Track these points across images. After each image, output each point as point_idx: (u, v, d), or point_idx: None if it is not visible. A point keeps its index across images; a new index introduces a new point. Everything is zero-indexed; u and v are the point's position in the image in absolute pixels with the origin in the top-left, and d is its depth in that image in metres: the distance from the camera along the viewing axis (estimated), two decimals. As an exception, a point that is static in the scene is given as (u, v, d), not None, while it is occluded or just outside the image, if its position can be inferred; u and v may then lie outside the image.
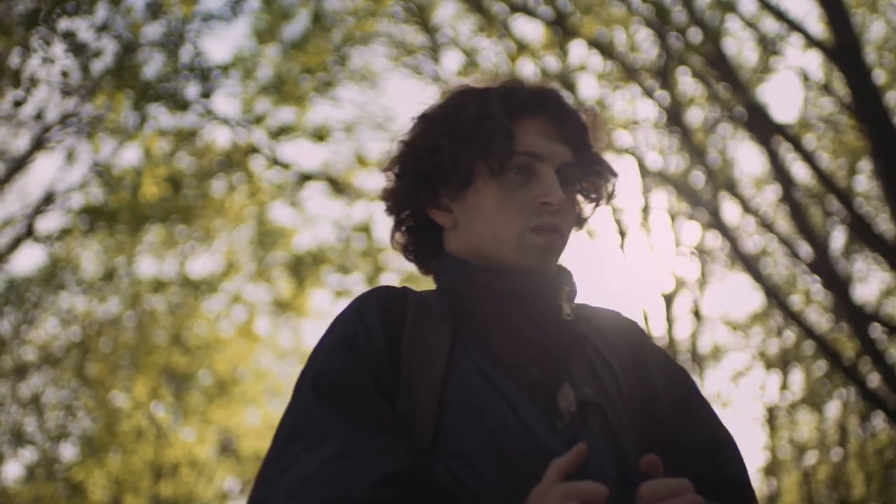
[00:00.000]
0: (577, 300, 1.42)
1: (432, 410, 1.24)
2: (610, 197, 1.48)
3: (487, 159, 1.33)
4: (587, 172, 1.43)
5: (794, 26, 7.75)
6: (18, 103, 6.62)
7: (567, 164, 1.38)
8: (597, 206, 1.48)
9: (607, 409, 1.30)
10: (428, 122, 1.42)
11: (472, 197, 1.37)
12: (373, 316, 1.31)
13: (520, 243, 1.33)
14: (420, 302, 1.36)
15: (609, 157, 1.47)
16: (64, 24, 6.36)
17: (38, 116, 9.08)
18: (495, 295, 1.33)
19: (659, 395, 1.39)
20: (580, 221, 1.49)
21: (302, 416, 1.23)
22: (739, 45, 9.89)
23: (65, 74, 6.78)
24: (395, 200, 1.44)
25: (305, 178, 10.85)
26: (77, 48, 6.63)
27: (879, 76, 9.19)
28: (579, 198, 1.47)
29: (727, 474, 1.34)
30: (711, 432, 1.39)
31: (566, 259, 1.44)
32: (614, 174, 1.47)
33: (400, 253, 1.49)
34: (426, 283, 1.51)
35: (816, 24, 9.08)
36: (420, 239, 1.46)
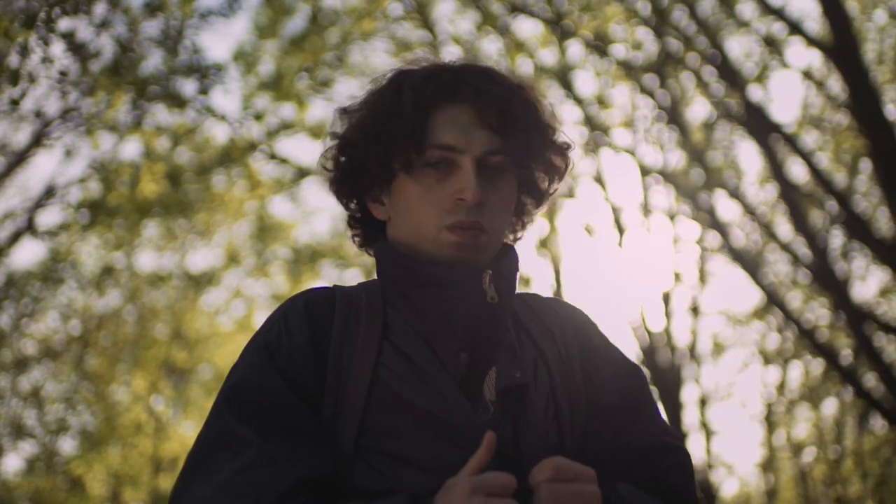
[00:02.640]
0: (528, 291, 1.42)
1: (359, 408, 1.23)
2: (563, 172, 1.41)
3: (397, 158, 1.30)
4: (521, 156, 1.34)
5: (793, 26, 7.75)
6: (15, 102, 6.63)
7: (490, 152, 1.30)
8: (551, 182, 1.42)
9: (532, 394, 1.28)
10: (347, 115, 1.39)
11: (397, 191, 1.34)
12: (297, 319, 1.30)
13: (436, 241, 1.30)
14: (349, 299, 1.34)
15: (550, 130, 1.37)
16: (63, 24, 6.36)
17: (38, 114, 9.07)
18: (422, 282, 1.31)
19: (605, 390, 1.36)
20: (539, 199, 1.44)
21: (219, 425, 1.22)
22: (739, 45, 9.88)
23: (63, 74, 6.78)
24: (332, 191, 1.43)
25: (304, 173, 10.87)
26: (76, 48, 6.63)
27: (878, 75, 9.19)
28: (527, 180, 1.40)
29: (671, 481, 1.31)
30: (660, 436, 1.35)
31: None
32: (556, 149, 1.38)
33: (350, 238, 1.48)
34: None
35: (816, 24, 9.07)
36: (365, 226, 1.44)
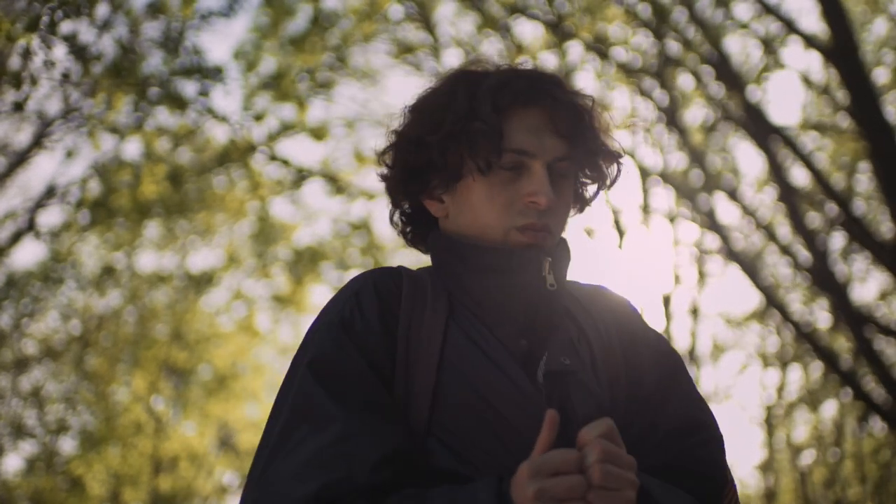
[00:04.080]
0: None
1: (430, 388, 1.26)
2: (613, 181, 1.46)
3: (475, 158, 1.33)
4: (583, 163, 1.41)
5: (792, 27, 7.76)
6: (19, 105, 6.64)
7: (560, 157, 1.36)
8: (598, 190, 1.47)
9: (583, 378, 1.31)
10: (418, 114, 1.41)
11: (462, 190, 1.37)
12: (369, 298, 1.32)
13: (505, 240, 1.34)
14: (415, 280, 1.37)
15: (609, 141, 1.43)
16: (65, 27, 6.37)
17: (40, 115, 9.09)
18: (481, 269, 1.34)
19: (645, 373, 1.39)
20: (582, 204, 1.48)
21: (301, 399, 1.23)
22: (738, 46, 9.90)
23: (66, 76, 6.80)
24: (390, 189, 1.45)
25: (304, 175, 10.88)
26: (78, 50, 6.64)
27: (879, 77, 9.20)
28: (579, 184, 1.46)
29: (699, 456, 1.34)
30: (691, 413, 1.38)
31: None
32: (614, 159, 1.44)
33: (399, 234, 1.51)
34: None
35: (815, 25, 9.08)
36: (416, 223, 1.47)
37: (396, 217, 1.49)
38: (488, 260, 1.34)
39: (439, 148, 1.35)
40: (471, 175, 1.35)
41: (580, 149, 1.38)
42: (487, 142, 1.32)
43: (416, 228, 1.48)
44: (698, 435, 1.36)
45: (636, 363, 1.39)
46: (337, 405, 1.21)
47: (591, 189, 1.48)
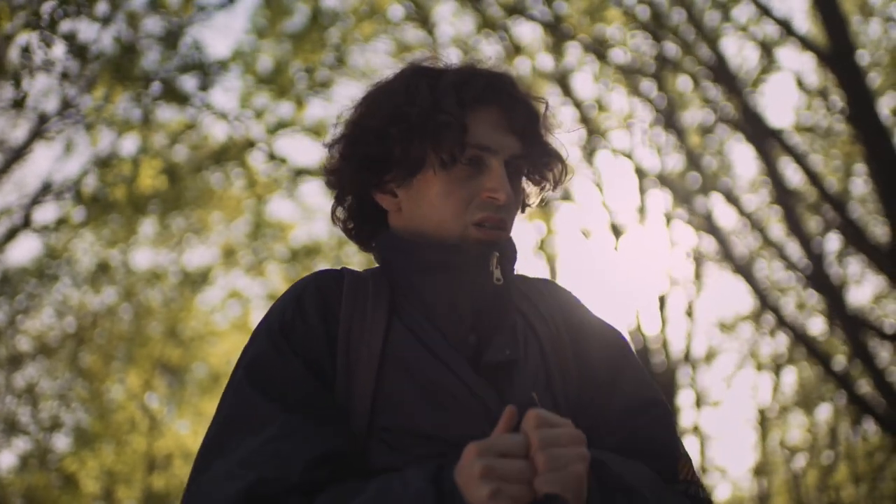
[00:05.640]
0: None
1: (370, 389, 1.25)
2: (556, 184, 1.48)
3: (439, 152, 1.33)
4: (535, 163, 1.43)
5: (789, 30, 7.78)
6: (18, 103, 6.62)
7: (515, 156, 1.37)
8: (542, 192, 1.49)
9: (521, 368, 1.32)
10: (375, 105, 1.39)
11: (419, 185, 1.36)
12: (310, 301, 1.32)
13: (462, 235, 1.34)
14: (357, 281, 1.37)
15: (557, 143, 1.45)
16: (65, 25, 6.34)
17: (35, 109, 9.07)
18: (428, 266, 1.34)
19: (593, 359, 1.40)
20: (524, 207, 1.49)
21: (237, 404, 1.24)
22: (736, 49, 9.94)
23: (65, 75, 6.78)
24: (338, 180, 1.43)
25: (301, 173, 10.88)
26: (78, 49, 6.62)
27: (874, 80, 9.23)
28: (526, 185, 1.47)
29: (652, 433, 1.35)
30: (641, 392, 1.39)
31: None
32: (561, 161, 1.45)
33: (340, 229, 1.49)
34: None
35: (812, 29, 9.11)
36: (362, 217, 1.46)
37: (339, 212, 1.47)
38: (435, 257, 1.34)
39: (402, 140, 1.34)
40: (431, 169, 1.35)
41: (533, 149, 1.40)
42: (452, 136, 1.32)
43: (360, 224, 1.47)
44: (649, 413, 1.37)
45: (584, 350, 1.41)
46: (271, 407, 1.21)
47: (533, 190, 1.49)
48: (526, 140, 1.39)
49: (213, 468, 1.19)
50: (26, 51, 5.89)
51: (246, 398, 1.23)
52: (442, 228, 1.35)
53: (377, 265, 1.45)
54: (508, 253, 1.39)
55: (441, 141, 1.32)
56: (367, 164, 1.39)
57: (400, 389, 1.26)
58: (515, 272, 1.44)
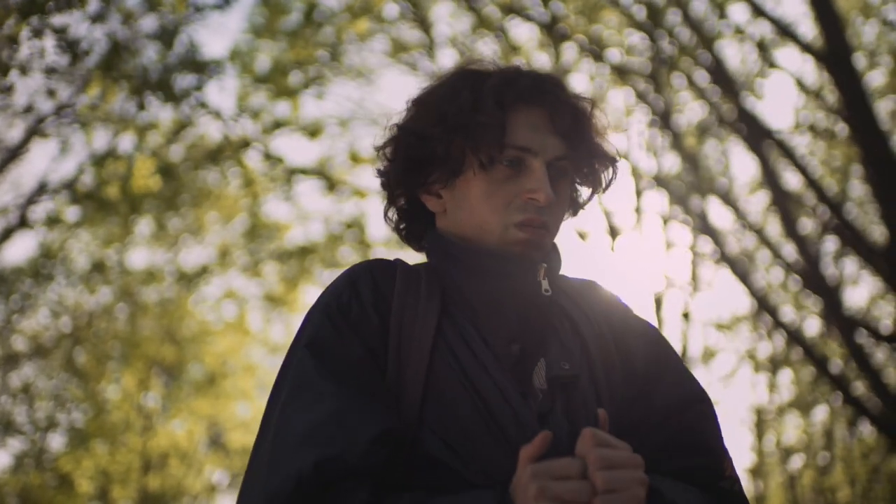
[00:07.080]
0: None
1: (421, 381, 1.27)
2: (607, 185, 1.47)
3: (478, 152, 1.34)
4: (581, 164, 1.43)
5: (786, 31, 7.77)
6: (6, 89, 6.59)
7: (559, 157, 1.37)
8: (592, 194, 1.49)
9: (582, 383, 1.33)
10: (421, 108, 1.42)
11: (461, 186, 1.38)
12: (365, 287, 1.34)
13: (503, 236, 1.34)
14: (410, 273, 1.38)
15: (606, 144, 1.45)
16: (57, 20, 6.33)
17: (30, 108, 9.04)
18: (476, 273, 1.35)
19: (637, 358, 1.41)
20: (575, 208, 1.49)
21: (300, 376, 1.25)
22: (733, 49, 9.93)
23: (52, 70, 6.75)
24: (388, 182, 1.45)
25: (295, 172, 10.87)
26: (69, 44, 6.60)
27: (871, 81, 9.23)
28: (574, 187, 1.47)
29: (698, 429, 1.36)
30: (684, 388, 1.40)
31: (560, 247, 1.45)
32: (610, 162, 1.45)
33: (393, 230, 1.51)
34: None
35: (809, 29, 9.10)
36: (412, 219, 1.48)
37: (391, 213, 1.49)
38: (483, 263, 1.35)
39: (442, 140, 1.35)
40: (471, 170, 1.36)
41: (579, 150, 1.40)
42: (490, 136, 1.33)
43: (411, 225, 1.48)
44: (694, 408, 1.38)
45: (628, 350, 1.41)
46: (333, 383, 1.23)
47: (584, 193, 1.49)
48: (571, 141, 1.38)
49: (277, 443, 1.21)
50: (14, 41, 5.87)
51: (308, 373, 1.25)
52: (483, 230, 1.36)
53: (426, 262, 1.46)
54: (555, 265, 1.40)
55: (479, 141, 1.33)
56: (412, 165, 1.40)
57: (450, 388, 1.27)
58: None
